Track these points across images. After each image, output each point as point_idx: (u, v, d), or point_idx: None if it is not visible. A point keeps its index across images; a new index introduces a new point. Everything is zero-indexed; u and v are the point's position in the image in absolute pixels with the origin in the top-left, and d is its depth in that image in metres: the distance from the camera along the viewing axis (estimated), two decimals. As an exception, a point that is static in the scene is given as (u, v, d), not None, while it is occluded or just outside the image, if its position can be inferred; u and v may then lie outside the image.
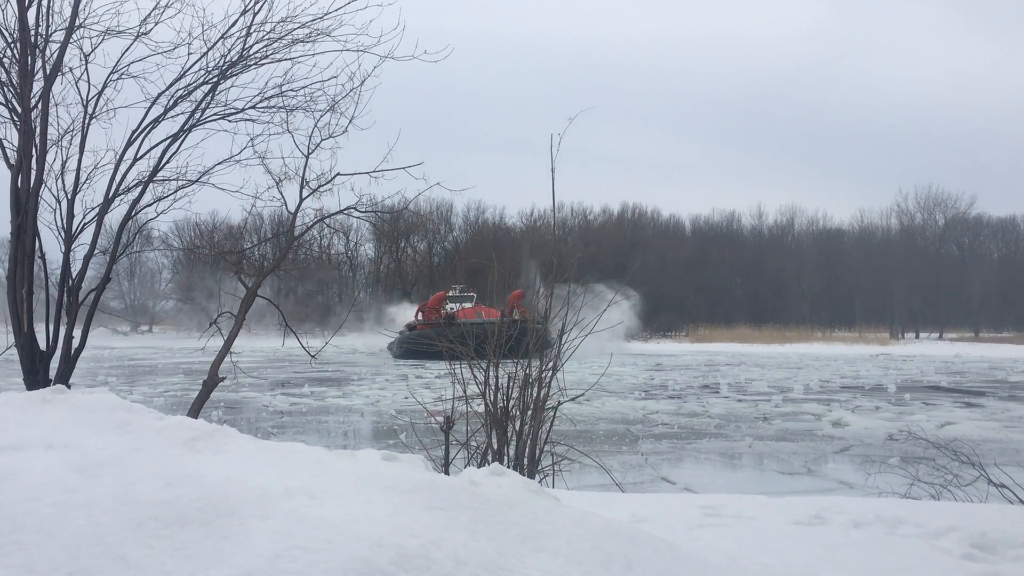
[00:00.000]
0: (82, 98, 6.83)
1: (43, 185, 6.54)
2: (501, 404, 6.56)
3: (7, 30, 6.53)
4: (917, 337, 69.21)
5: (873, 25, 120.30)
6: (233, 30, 6.84)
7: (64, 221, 6.77)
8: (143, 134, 6.89)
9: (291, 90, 7.08)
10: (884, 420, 14.68)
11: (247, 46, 6.87)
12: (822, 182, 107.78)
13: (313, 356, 7.76)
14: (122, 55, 6.81)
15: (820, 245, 76.59)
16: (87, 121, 6.82)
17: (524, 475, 5.79)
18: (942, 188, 77.64)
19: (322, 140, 7.18)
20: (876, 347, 52.52)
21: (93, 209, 6.88)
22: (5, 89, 6.56)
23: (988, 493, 6.57)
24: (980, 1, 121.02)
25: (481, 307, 38.06)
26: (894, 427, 13.60)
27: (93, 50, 6.75)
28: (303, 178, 7.28)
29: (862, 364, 34.88)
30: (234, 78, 6.98)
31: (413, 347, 34.62)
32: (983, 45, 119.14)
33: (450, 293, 41.97)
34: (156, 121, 6.92)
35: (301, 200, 7.36)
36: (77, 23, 6.56)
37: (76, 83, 6.81)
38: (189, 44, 6.83)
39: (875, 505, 5.30)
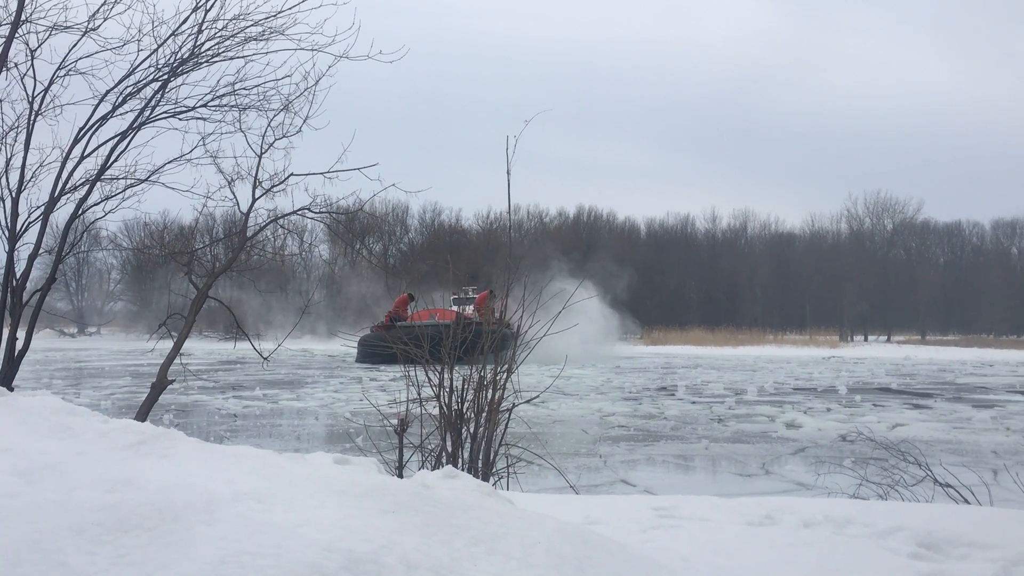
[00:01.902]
0: (28, 94, 6.69)
1: (-14, 183, 6.39)
2: (456, 406, 6.53)
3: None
4: (866, 339, 70.53)
5: (824, 33, 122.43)
6: (184, 27, 6.74)
7: (8, 220, 6.62)
8: (90, 131, 6.76)
9: (244, 89, 7.00)
10: (836, 421, 14.90)
11: (198, 43, 6.77)
12: (774, 187, 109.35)
13: (265, 359, 7.67)
14: (69, 51, 6.69)
15: (772, 249, 77.70)
16: (32, 118, 6.68)
17: (478, 478, 5.77)
18: (890, 194, 79.21)
19: (275, 140, 7.11)
20: (826, 349, 53.40)
21: (38, 208, 6.74)
22: (-54, 84, 6.40)
23: (935, 493, 6.69)
24: (927, 12, 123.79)
25: (435, 309, 37.52)
26: (846, 428, 13.81)
27: (40, 45, 6.62)
28: (256, 178, 7.20)
29: (815, 366, 35.39)
30: (185, 76, 6.88)
31: (370, 349, 34.18)
32: (930, 54, 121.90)
33: (456, 296, 40.65)
34: (104, 118, 6.79)
35: (254, 200, 7.27)
36: (23, 18, 6.41)
37: (22, 79, 6.67)
38: (139, 41, 6.73)
39: (825, 505, 5.36)
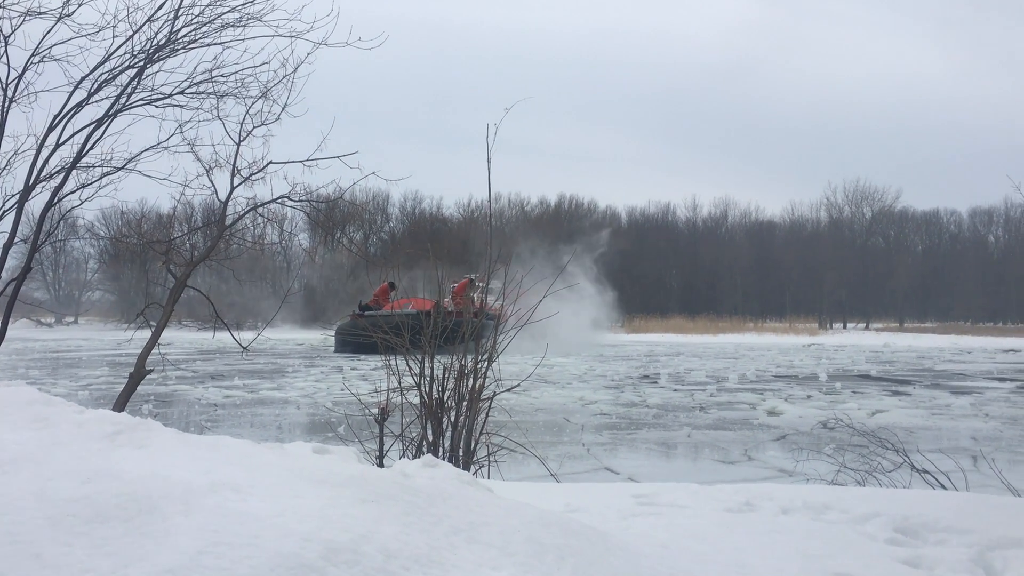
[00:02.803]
0: (1, 81, 6.61)
1: (-42, 171, 6.32)
2: (436, 395, 6.53)
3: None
4: (844, 327, 71.04)
5: (805, 22, 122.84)
6: (160, 13, 6.67)
7: (-18, 209, 6.55)
8: (66, 119, 6.69)
9: (221, 76, 6.94)
10: (817, 408, 14.99)
11: (175, 29, 6.70)
12: (755, 175, 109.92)
13: (245, 348, 7.63)
14: (44, 37, 6.60)
15: (752, 237, 78.06)
16: (7, 105, 6.60)
17: (459, 466, 5.77)
18: (869, 182, 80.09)
19: (254, 127, 7.06)
20: (806, 337, 53.68)
21: (13, 196, 6.68)
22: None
23: (912, 479, 6.75)
24: (909, 3, 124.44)
25: (411, 299, 37.35)
26: (826, 415, 13.90)
27: (13, 31, 6.53)
28: (234, 166, 7.15)
29: (796, 354, 35.58)
30: (161, 62, 6.82)
31: (347, 339, 34.01)
32: (914, 45, 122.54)
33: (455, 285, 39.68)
34: (79, 106, 6.72)
35: (232, 188, 7.23)
36: (-5, 3, 6.33)
37: (-6, 66, 6.58)
38: (114, 26, 6.65)
39: (803, 492, 5.40)
